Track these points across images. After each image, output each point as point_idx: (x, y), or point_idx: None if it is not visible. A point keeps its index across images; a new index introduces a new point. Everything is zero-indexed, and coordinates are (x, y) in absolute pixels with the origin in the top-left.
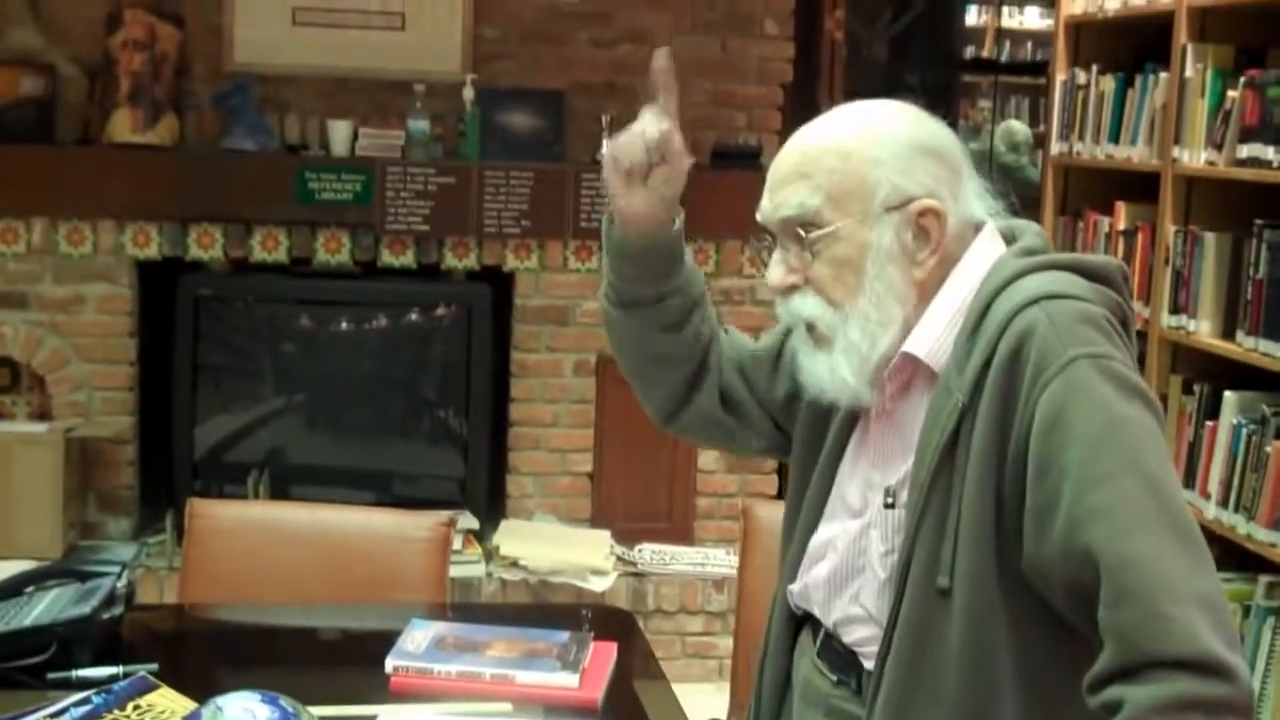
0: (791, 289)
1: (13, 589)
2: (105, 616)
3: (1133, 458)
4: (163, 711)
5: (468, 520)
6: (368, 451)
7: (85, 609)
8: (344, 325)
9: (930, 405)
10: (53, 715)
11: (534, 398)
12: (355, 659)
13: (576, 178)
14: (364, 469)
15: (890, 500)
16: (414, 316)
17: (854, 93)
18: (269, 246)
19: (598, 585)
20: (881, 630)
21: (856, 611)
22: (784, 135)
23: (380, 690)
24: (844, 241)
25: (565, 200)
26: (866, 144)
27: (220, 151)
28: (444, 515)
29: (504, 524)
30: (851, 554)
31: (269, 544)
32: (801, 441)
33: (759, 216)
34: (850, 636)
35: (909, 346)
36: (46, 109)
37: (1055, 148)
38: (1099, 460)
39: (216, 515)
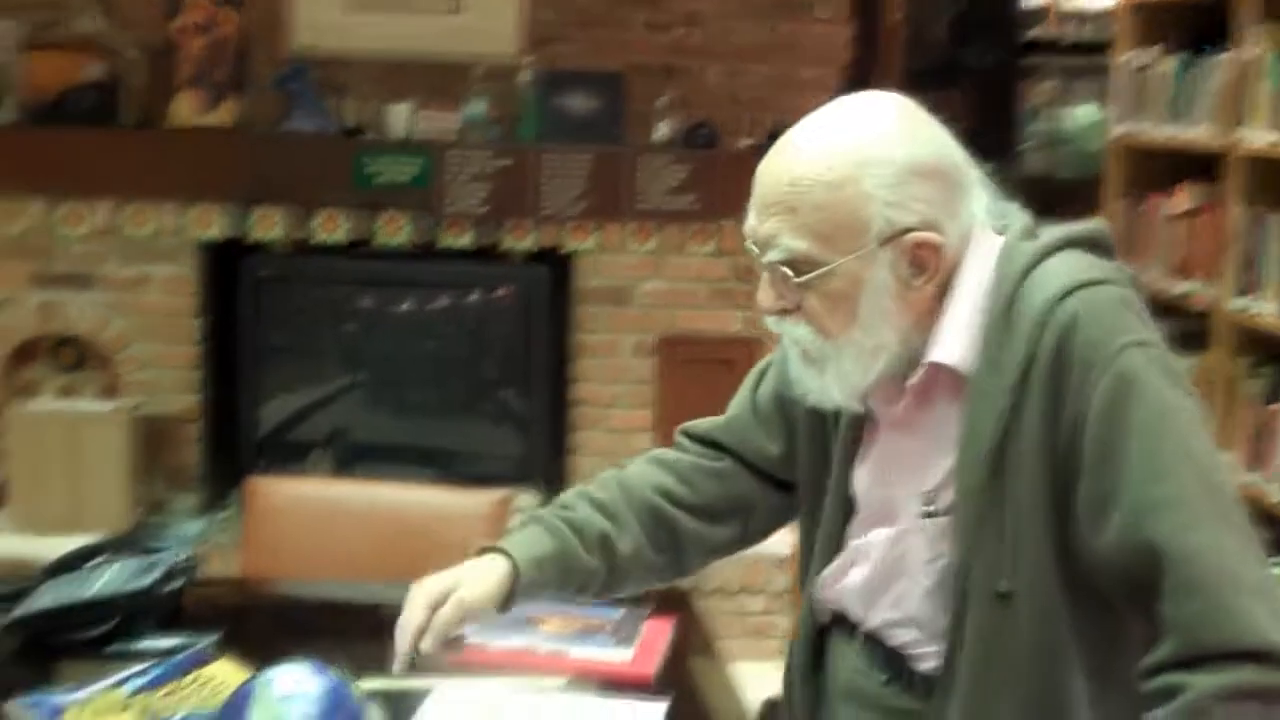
0: (783, 313)
1: (78, 562)
2: (166, 589)
3: (1187, 448)
4: (222, 683)
5: (527, 499)
6: (430, 430)
7: (146, 581)
8: (404, 306)
9: (968, 412)
10: (114, 685)
11: (594, 378)
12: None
13: (634, 160)
14: (426, 447)
15: (932, 508)
16: (473, 297)
17: (914, 74)
18: (329, 228)
19: None
20: (928, 633)
21: (899, 617)
22: None
23: (435, 664)
24: (837, 278)
25: (623, 182)
26: (858, 174)
27: (280, 134)
28: (500, 493)
29: None
30: (887, 561)
31: (328, 521)
32: (807, 456)
33: (745, 229)
34: (896, 640)
35: (937, 357)
36: (109, 92)
37: (1117, 129)
38: (1157, 453)
39: (276, 493)
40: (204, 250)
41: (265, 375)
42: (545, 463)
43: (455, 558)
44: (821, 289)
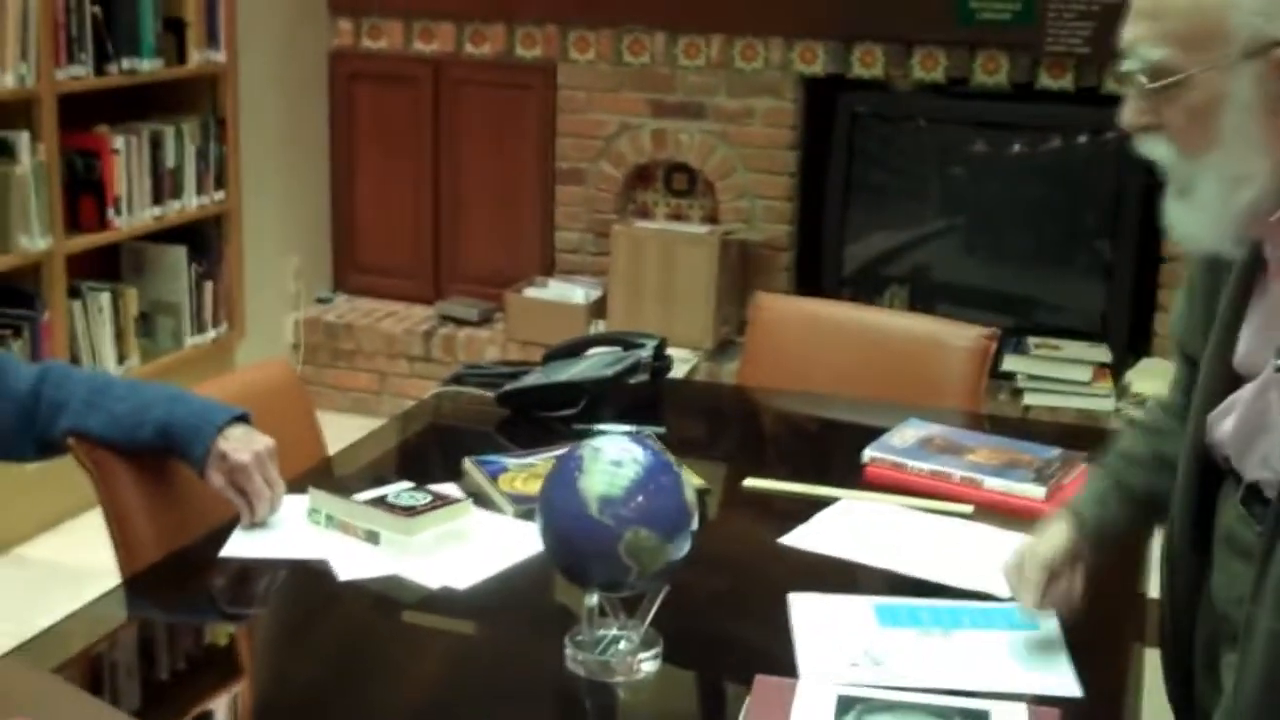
0: (1144, 129)
1: (569, 351)
2: (630, 381)
3: None
4: None
5: (1100, 353)
6: (1011, 276)
7: (609, 372)
8: (998, 148)
9: None
10: (549, 459)
11: None
12: (850, 446)
13: None
14: (1006, 293)
15: None
16: (1069, 141)
17: None
18: (927, 66)
19: None
20: None
21: (1267, 476)
22: None
23: (854, 478)
24: (1197, 90)
25: None
26: None
27: None
28: (988, 330)
29: (1144, 363)
30: (1250, 415)
31: (822, 338)
32: (1199, 303)
33: (1121, 43)
34: (1270, 494)
35: None
36: None
37: None
38: None
39: (779, 308)
40: (806, 85)
41: (855, 210)
42: (1128, 319)
43: (937, 385)
44: (1180, 101)
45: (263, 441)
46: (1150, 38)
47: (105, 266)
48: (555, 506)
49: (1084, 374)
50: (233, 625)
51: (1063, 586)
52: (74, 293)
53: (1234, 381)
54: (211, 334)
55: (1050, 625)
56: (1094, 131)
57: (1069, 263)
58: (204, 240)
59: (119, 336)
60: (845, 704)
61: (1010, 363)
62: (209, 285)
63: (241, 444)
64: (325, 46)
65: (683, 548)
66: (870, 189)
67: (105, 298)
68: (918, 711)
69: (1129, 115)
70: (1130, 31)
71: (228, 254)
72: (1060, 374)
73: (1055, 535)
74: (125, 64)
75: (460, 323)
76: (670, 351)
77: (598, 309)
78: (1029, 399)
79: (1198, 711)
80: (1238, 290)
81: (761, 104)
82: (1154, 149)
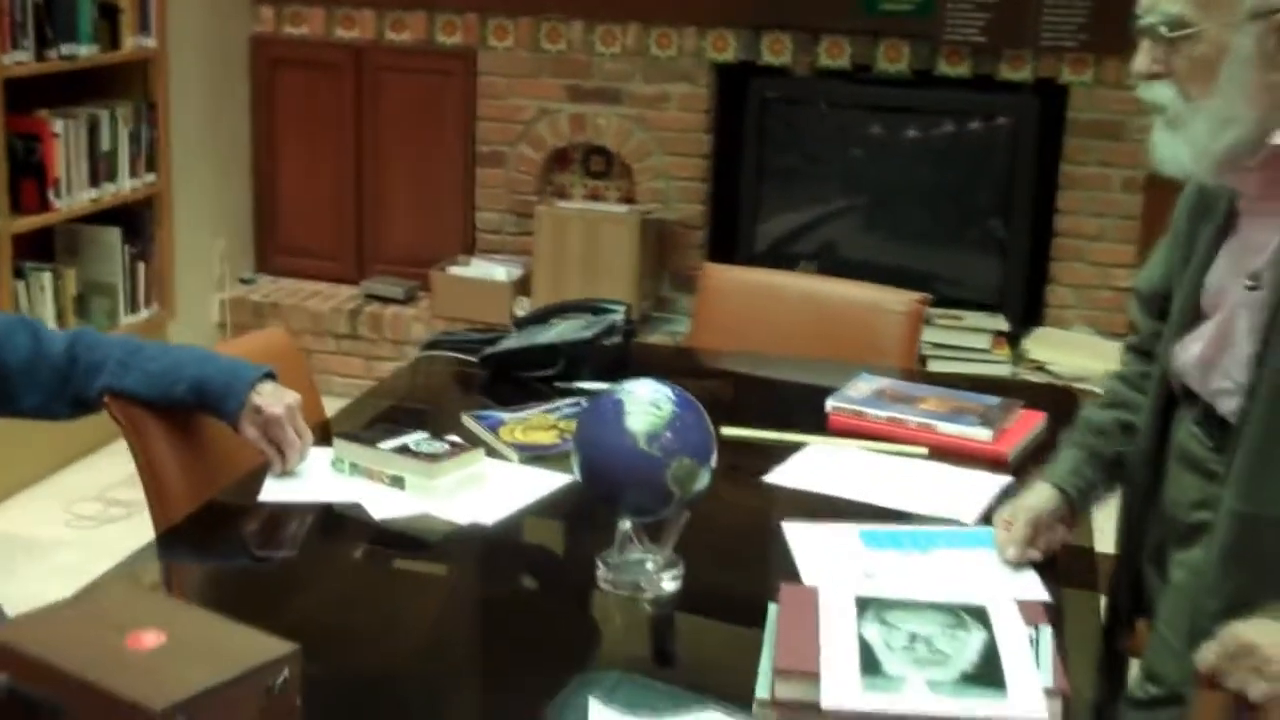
0: (1153, 76)
1: (541, 317)
2: (605, 343)
3: None
4: None
5: (998, 322)
6: (913, 253)
7: (587, 334)
8: (900, 132)
9: None
10: (546, 411)
11: (1080, 210)
12: (808, 399)
13: None
14: (909, 268)
15: (1254, 283)
16: (964, 126)
17: None
18: (833, 54)
19: None
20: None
21: (1227, 385)
22: None
23: (819, 426)
24: (1205, 43)
25: (1126, 14)
26: None
27: None
28: (920, 295)
29: (1038, 330)
30: (1217, 334)
31: (765, 304)
32: (1180, 247)
33: (1138, 7)
34: (1224, 407)
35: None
36: None
37: None
38: None
39: (725, 277)
40: (718, 71)
41: (766, 191)
42: (1022, 291)
43: (873, 345)
44: (1189, 52)
45: (291, 395)
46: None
47: (41, 248)
48: (600, 444)
49: (984, 341)
50: (280, 563)
51: (1042, 544)
52: (17, 273)
53: (1201, 316)
54: (144, 314)
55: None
56: (988, 116)
57: (966, 239)
58: (136, 222)
59: (59, 315)
60: (862, 604)
61: None
62: (141, 266)
63: (273, 398)
64: (248, 33)
65: (711, 471)
66: (779, 170)
67: (47, 277)
68: (925, 608)
69: (1141, 63)
70: None
71: (159, 236)
72: (962, 342)
73: (1040, 497)
74: (64, 49)
75: (386, 300)
76: None
77: (521, 286)
78: (933, 365)
79: (1144, 599)
80: (1212, 234)
81: (676, 89)
82: (1157, 93)
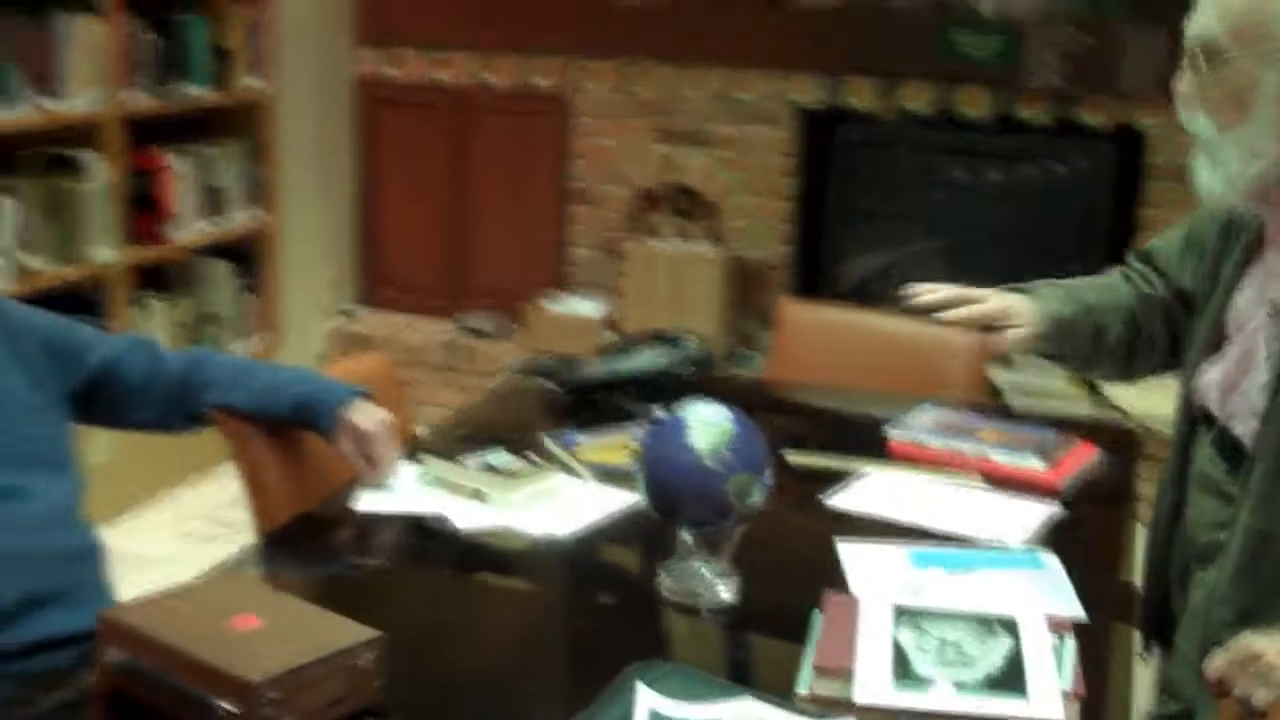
0: (1190, 101)
1: (621, 347)
2: (679, 372)
3: None
4: None
5: None
6: None
7: (662, 363)
8: (978, 175)
9: None
10: (620, 434)
11: None
12: (872, 429)
13: None
14: None
15: (1276, 311)
16: (1043, 169)
17: None
18: (913, 98)
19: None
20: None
21: (1245, 409)
22: None
23: (879, 452)
24: (1239, 72)
25: None
26: None
27: (875, 8)
28: (984, 336)
29: None
30: (1241, 358)
31: (840, 339)
32: (1208, 269)
33: (1188, 29)
34: (1239, 429)
35: None
36: None
37: None
38: None
39: (801, 313)
40: (801, 115)
41: (848, 232)
42: None
43: (943, 379)
44: (1223, 78)
45: (384, 414)
46: (1217, 20)
47: (156, 279)
48: (666, 460)
49: (1062, 382)
50: (371, 568)
51: (978, 315)
52: (133, 302)
53: (1224, 338)
54: (252, 342)
55: (1053, 562)
56: (1067, 160)
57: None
58: (246, 255)
59: (172, 344)
60: (900, 613)
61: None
62: (249, 297)
63: (367, 416)
64: (352, 75)
65: (765, 486)
66: (863, 212)
67: (162, 306)
68: (960, 619)
69: (1183, 85)
70: (1198, 19)
71: (268, 268)
72: (1038, 380)
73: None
74: (180, 90)
75: (479, 334)
76: None
77: (610, 321)
78: (1011, 399)
79: (1169, 618)
80: (1241, 258)
81: (760, 132)
82: (1194, 122)
